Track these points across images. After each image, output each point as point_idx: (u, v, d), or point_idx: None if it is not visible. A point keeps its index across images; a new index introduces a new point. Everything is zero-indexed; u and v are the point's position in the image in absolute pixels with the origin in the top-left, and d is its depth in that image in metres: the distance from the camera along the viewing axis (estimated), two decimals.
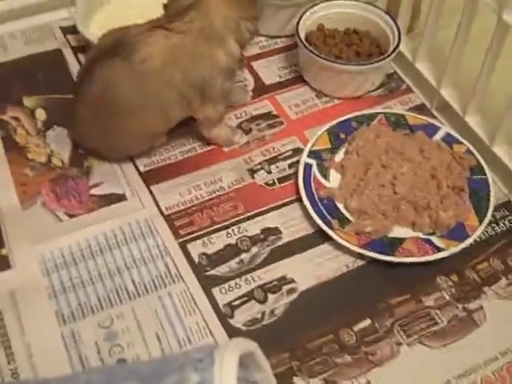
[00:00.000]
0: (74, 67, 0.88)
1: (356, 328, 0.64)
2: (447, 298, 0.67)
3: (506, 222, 0.73)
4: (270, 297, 0.66)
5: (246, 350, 0.45)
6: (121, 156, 0.78)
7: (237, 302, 0.66)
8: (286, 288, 0.67)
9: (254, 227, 0.72)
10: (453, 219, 0.70)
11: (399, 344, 0.63)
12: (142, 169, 0.78)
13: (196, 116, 0.75)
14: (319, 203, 0.72)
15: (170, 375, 0.41)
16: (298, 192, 0.74)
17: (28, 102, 0.85)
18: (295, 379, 0.61)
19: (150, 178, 0.77)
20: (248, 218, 0.73)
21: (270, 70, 0.90)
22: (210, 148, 0.80)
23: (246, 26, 0.73)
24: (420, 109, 0.84)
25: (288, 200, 0.75)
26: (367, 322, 0.65)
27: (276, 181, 0.77)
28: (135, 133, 0.74)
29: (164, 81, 0.70)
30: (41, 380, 0.46)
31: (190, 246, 0.70)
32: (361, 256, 0.69)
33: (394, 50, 0.83)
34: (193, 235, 0.71)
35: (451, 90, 0.82)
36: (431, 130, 0.79)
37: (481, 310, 0.66)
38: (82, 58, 0.90)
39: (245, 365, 0.41)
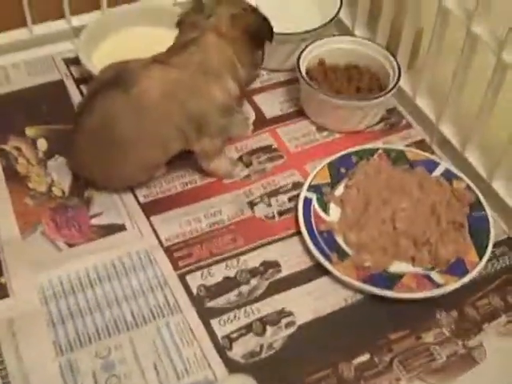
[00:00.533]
0: (76, 98, 0.89)
1: (355, 362, 0.64)
2: (447, 334, 0.66)
3: (506, 259, 0.73)
4: (269, 329, 0.66)
5: None
6: (119, 186, 0.78)
7: (235, 335, 0.66)
8: (284, 321, 0.67)
9: (253, 260, 0.72)
10: (452, 255, 0.70)
11: (398, 379, 0.63)
12: (141, 199, 0.78)
13: (193, 149, 0.76)
14: (319, 237, 0.72)
15: None
16: (297, 225, 0.74)
17: (30, 131, 0.85)
18: None
19: (150, 208, 0.77)
20: (247, 251, 0.73)
21: (271, 104, 0.90)
22: (210, 180, 0.80)
23: (241, 68, 0.75)
24: (420, 144, 0.85)
25: (288, 233, 0.75)
26: (366, 357, 0.65)
27: (276, 214, 0.77)
28: (133, 164, 0.75)
29: (161, 114, 0.71)
30: None
31: (188, 278, 0.70)
32: (360, 290, 0.69)
33: (394, 86, 0.84)
34: (192, 267, 0.71)
35: (451, 125, 0.83)
36: (431, 165, 0.79)
37: (481, 347, 0.65)
38: (83, 89, 0.91)
39: None
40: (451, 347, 0.65)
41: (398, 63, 0.86)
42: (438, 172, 0.79)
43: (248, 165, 0.82)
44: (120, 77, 0.71)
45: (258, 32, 0.76)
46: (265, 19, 0.77)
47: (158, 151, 0.75)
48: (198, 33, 0.73)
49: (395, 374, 0.63)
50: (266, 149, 0.85)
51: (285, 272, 0.71)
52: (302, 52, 0.88)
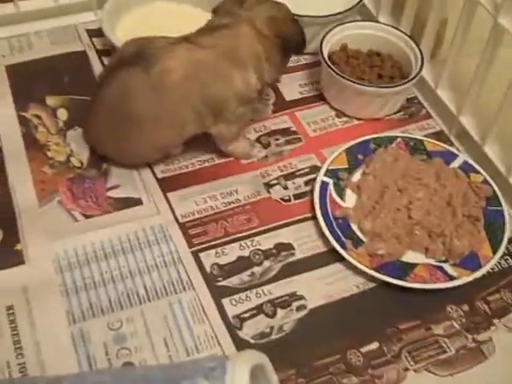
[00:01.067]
0: (98, 70, 0.89)
1: (364, 350, 0.65)
2: (457, 327, 0.67)
3: None
4: (280, 312, 0.67)
5: (257, 362, 0.45)
6: (133, 163, 0.78)
7: (246, 315, 0.66)
8: (295, 304, 0.67)
9: (267, 241, 0.72)
10: (466, 248, 0.70)
11: (406, 369, 0.63)
12: (159, 175, 0.78)
13: (210, 131, 0.76)
14: (334, 223, 0.72)
15: (180, 382, 0.41)
16: (313, 210, 0.74)
17: (50, 101, 0.85)
18: None
19: (167, 184, 0.77)
20: (262, 232, 0.73)
21: (292, 87, 0.90)
22: (227, 159, 0.80)
23: (266, 67, 0.75)
24: (438, 135, 0.85)
25: (303, 217, 0.75)
26: (375, 345, 0.65)
27: (292, 197, 0.77)
28: (148, 142, 0.75)
29: (181, 95, 0.71)
30: (52, 377, 0.46)
31: (202, 256, 0.71)
32: (372, 278, 0.69)
33: (416, 75, 0.83)
34: (206, 245, 0.72)
35: (471, 118, 0.83)
36: (449, 157, 0.79)
37: (490, 341, 0.66)
38: (106, 61, 0.90)
39: (254, 376, 0.41)
40: (461, 340, 0.66)
41: (421, 52, 0.86)
42: (455, 164, 0.79)
43: (266, 146, 0.82)
44: (142, 54, 0.71)
45: (291, 42, 0.77)
46: (302, 33, 0.77)
47: (174, 132, 0.74)
48: (233, 20, 0.73)
49: (403, 363, 0.64)
50: (285, 131, 0.85)
51: (298, 255, 0.71)
52: (325, 36, 0.87)
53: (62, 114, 0.84)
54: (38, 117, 0.83)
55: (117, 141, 0.75)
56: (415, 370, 0.63)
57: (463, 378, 0.63)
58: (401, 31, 0.89)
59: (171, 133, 0.74)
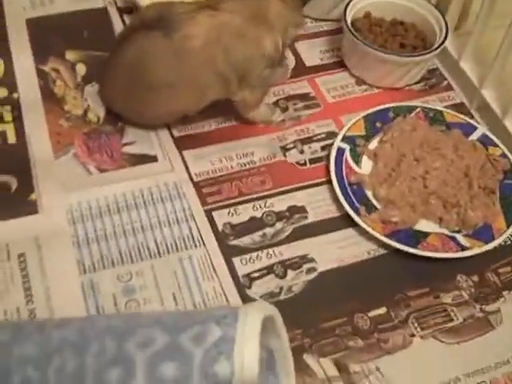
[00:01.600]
0: (118, 27, 0.89)
1: (371, 314, 0.65)
2: (466, 297, 0.66)
3: None
4: (290, 273, 0.67)
5: (269, 313, 0.45)
6: (148, 123, 0.78)
7: (256, 274, 0.66)
8: (306, 266, 0.67)
9: (280, 204, 0.72)
10: (480, 219, 0.70)
11: (412, 335, 0.63)
12: (175, 133, 0.78)
13: (233, 99, 0.75)
14: (348, 188, 0.72)
15: (191, 327, 0.41)
16: (328, 175, 0.74)
17: (70, 55, 0.85)
18: (305, 356, 0.61)
19: (183, 143, 0.77)
20: (276, 194, 0.73)
21: (312, 53, 0.89)
22: (244, 121, 0.80)
23: (290, 30, 0.75)
24: (458, 107, 0.84)
25: (317, 181, 0.75)
26: (383, 310, 0.65)
27: (307, 161, 0.77)
28: (165, 108, 0.74)
29: (204, 60, 0.70)
30: (61, 320, 0.47)
31: (215, 214, 0.71)
32: (384, 245, 0.69)
33: (439, 45, 0.82)
34: (219, 204, 0.72)
35: (493, 91, 0.81)
36: (468, 129, 0.78)
37: (498, 312, 0.65)
38: (127, 19, 0.90)
39: (264, 328, 0.41)
40: (469, 310, 0.65)
41: (446, 23, 0.84)
42: (474, 136, 0.78)
43: (284, 110, 0.82)
44: (163, 20, 0.70)
45: None
46: None
47: (194, 98, 0.74)
48: None
49: (410, 329, 0.64)
50: (303, 96, 0.84)
51: (311, 219, 0.71)
52: (348, 2, 0.86)
53: (81, 69, 0.84)
54: (57, 70, 0.83)
55: (133, 103, 0.75)
56: (421, 337, 0.63)
57: (469, 347, 0.63)
58: (427, 1, 0.87)
59: (190, 99, 0.74)
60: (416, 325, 0.64)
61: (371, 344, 0.62)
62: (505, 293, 0.67)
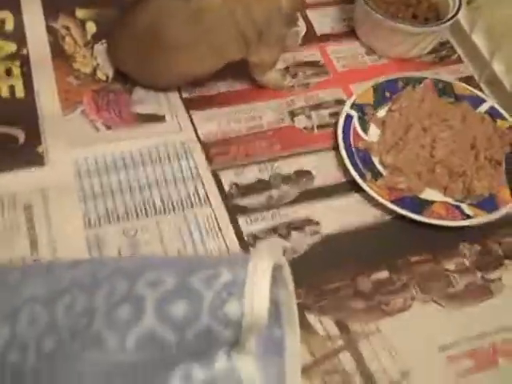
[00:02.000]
0: None
1: (373, 277, 0.65)
2: (467, 264, 0.67)
3: None
4: (294, 234, 0.67)
5: (279, 261, 0.45)
6: (159, 87, 0.77)
7: (261, 234, 0.67)
8: (310, 229, 0.68)
9: (287, 167, 0.72)
10: (486, 190, 0.70)
11: (413, 299, 0.64)
12: (184, 95, 0.78)
13: (250, 59, 0.75)
14: (355, 154, 0.72)
15: (202, 270, 0.41)
16: (335, 141, 0.74)
17: (80, 13, 0.85)
18: (307, 314, 0.62)
19: (192, 104, 0.77)
20: (282, 158, 0.73)
21: (324, 21, 0.89)
22: (254, 85, 0.80)
23: None
24: (468, 80, 0.84)
25: (324, 147, 0.75)
26: (385, 274, 0.65)
27: (315, 127, 0.77)
28: (179, 70, 0.74)
29: (223, 17, 0.70)
30: (70, 261, 0.47)
31: (221, 174, 0.71)
32: (388, 211, 0.69)
33: (452, 17, 0.82)
34: (226, 164, 0.72)
35: (503, 65, 0.81)
36: (476, 101, 0.78)
37: (499, 280, 0.66)
38: None
39: (273, 277, 0.41)
40: (470, 277, 0.66)
41: None
42: (483, 108, 0.78)
43: (293, 76, 0.82)
44: None
45: None
46: None
47: (212, 59, 0.73)
48: None
49: (411, 293, 0.64)
50: (313, 64, 0.84)
51: (317, 183, 0.71)
52: None
53: (91, 27, 0.84)
54: (67, 28, 0.83)
55: (145, 65, 0.74)
56: (422, 301, 0.64)
57: (469, 312, 0.63)
58: None
59: (207, 60, 0.73)
60: (417, 289, 0.64)
61: (372, 306, 0.63)
62: (506, 262, 0.67)
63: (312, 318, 0.61)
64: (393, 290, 0.64)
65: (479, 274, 0.66)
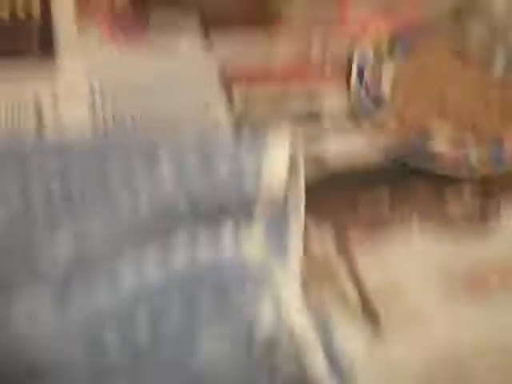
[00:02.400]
0: None
1: (374, 206, 0.65)
2: (470, 202, 0.67)
3: None
4: None
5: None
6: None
7: None
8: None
9: None
10: (495, 133, 0.70)
11: (412, 226, 0.64)
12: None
13: None
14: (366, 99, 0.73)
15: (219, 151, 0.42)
16: (347, 83, 0.74)
17: None
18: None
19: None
20: None
21: None
22: None
23: None
24: None
25: (335, 88, 0.74)
26: (386, 204, 0.66)
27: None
28: None
29: None
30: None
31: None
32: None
33: None
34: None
35: None
36: None
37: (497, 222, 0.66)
38: None
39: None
40: (470, 209, 0.66)
41: None
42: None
43: None
44: None
45: None
46: None
47: None
48: None
49: (411, 221, 0.64)
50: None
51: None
52: None
53: None
54: None
55: None
56: (421, 229, 0.64)
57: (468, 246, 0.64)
58: None
59: None
60: (417, 218, 0.65)
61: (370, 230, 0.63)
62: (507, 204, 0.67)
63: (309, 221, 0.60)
64: (392, 219, 0.64)
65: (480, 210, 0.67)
